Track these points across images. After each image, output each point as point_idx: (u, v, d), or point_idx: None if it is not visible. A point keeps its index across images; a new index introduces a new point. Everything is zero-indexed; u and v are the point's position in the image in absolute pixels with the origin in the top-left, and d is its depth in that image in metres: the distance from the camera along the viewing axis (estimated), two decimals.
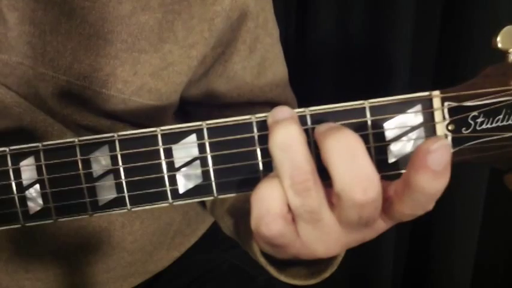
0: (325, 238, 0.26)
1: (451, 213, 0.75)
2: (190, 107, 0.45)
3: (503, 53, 0.27)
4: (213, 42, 0.40)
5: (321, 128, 0.25)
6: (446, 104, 0.26)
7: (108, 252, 0.47)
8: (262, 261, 0.33)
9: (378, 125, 0.26)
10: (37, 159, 0.28)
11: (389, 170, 0.26)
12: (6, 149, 0.28)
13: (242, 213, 0.38)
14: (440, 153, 0.23)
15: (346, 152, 0.23)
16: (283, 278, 0.33)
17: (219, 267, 0.54)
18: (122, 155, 0.27)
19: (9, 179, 0.28)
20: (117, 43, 0.37)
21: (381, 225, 0.26)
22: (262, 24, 0.43)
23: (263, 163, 0.27)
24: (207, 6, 0.38)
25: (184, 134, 0.27)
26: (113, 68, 0.37)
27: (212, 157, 0.27)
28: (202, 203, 0.55)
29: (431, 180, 0.23)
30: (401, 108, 0.26)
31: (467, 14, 0.66)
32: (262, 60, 0.44)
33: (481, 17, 0.64)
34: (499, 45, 0.27)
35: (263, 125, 0.26)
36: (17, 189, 0.28)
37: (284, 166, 0.24)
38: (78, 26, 0.36)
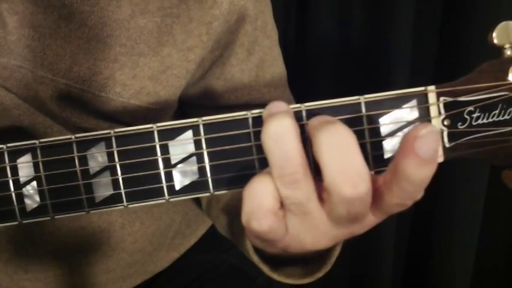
0: (313, 231, 0.26)
1: (451, 213, 0.75)
2: (189, 108, 0.46)
3: (500, 49, 0.27)
4: (211, 45, 0.40)
5: (314, 121, 0.25)
6: (441, 99, 0.26)
7: (108, 253, 0.47)
8: (255, 259, 0.33)
9: (373, 120, 0.26)
10: (34, 156, 0.28)
11: (384, 165, 0.26)
12: (4, 146, 0.28)
13: (236, 212, 0.38)
14: (429, 139, 0.23)
15: (338, 146, 0.23)
16: (276, 276, 0.33)
17: (219, 267, 0.54)
18: (118, 151, 0.27)
19: (7, 176, 0.28)
20: (116, 47, 0.37)
21: (370, 219, 0.26)
22: (261, 27, 0.43)
23: (259, 159, 0.27)
24: (205, 9, 0.39)
25: (180, 131, 0.27)
26: (112, 71, 0.37)
27: (208, 153, 0.27)
28: (201, 204, 0.55)
29: (419, 167, 0.23)
30: (396, 103, 0.26)
31: (467, 13, 0.65)
32: (260, 62, 0.44)
33: (481, 17, 0.64)
34: (495, 41, 0.27)
35: (259, 121, 0.26)
36: (14, 186, 0.28)
37: (274, 157, 0.24)
38: (78, 30, 0.36)
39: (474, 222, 0.75)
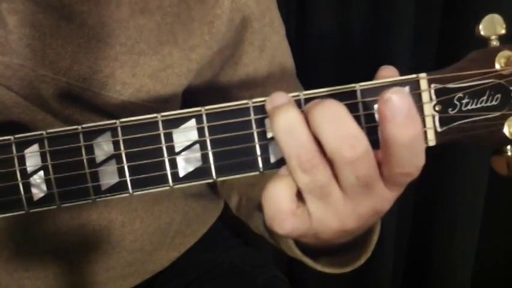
0: (337, 212, 0.27)
1: (452, 213, 0.75)
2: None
3: (486, 40, 0.29)
4: (216, 45, 0.41)
5: (307, 106, 0.26)
6: (432, 85, 0.27)
7: (108, 251, 0.48)
8: (298, 253, 0.34)
9: (368, 107, 0.27)
10: (41, 147, 0.28)
11: None
12: (11, 137, 0.29)
13: None
14: (396, 99, 0.24)
15: (330, 117, 0.25)
16: (319, 267, 0.34)
17: (219, 267, 0.54)
18: (123, 140, 0.28)
19: (14, 166, 0.28)
20: (116, 46, 0.38)
21: (386, 192, 0.27)
22: (269, 23, 0.44)
23: (260, 145, 0.28)
24: (207, 9, 0.39)
25: (184, 120, 0.28)
26: (112, 70, 0.38)
27: (211, 141, 0.28)
28: (205, 204, 0.55)
29: (399, 129, 0.24)
30: None
31: (467, 13, 0.66)
32: (272, 58, 0.44)
33: (480, 17, 0.64)
34: (482, 32, 0.28)
35: (260, 109, 0.27)
36: (21, 176, 0.29)
37: (290, 148, 0.25)
38: (78, 30, 0.37)
39: (474, 222, 0.74)
